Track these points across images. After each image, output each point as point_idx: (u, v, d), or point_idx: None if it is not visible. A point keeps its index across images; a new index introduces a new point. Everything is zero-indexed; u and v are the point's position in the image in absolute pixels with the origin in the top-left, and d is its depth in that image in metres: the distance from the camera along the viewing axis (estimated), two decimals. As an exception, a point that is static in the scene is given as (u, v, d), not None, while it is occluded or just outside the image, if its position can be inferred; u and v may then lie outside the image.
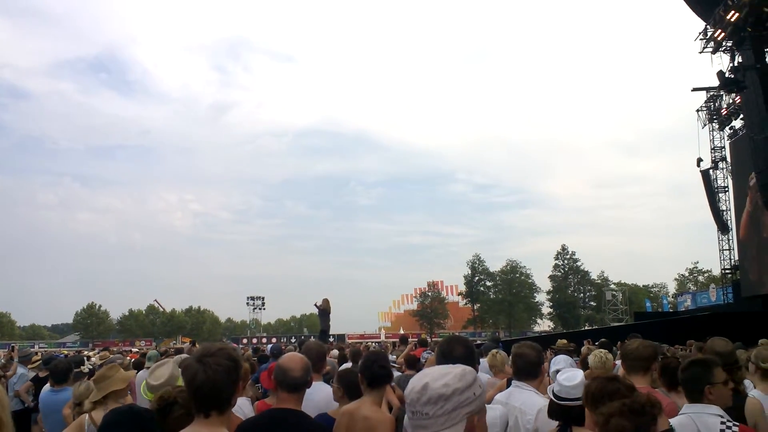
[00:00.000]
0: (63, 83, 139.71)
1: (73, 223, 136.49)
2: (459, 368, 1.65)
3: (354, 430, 3.78)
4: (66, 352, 35.63)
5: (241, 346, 36.71)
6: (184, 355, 6.56)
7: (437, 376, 1.60)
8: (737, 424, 3.32)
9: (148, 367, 9.27)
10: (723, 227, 33.17)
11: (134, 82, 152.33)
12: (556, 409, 3.40)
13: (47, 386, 6.84)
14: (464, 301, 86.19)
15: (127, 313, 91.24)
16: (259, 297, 75.71)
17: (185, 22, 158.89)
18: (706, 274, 73.44)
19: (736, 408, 3.87)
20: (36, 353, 13.96)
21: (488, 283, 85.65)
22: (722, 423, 3.31)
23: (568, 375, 3.47)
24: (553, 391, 3.48)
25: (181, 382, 3.75)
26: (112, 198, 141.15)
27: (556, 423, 3.46)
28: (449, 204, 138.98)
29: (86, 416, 4.64)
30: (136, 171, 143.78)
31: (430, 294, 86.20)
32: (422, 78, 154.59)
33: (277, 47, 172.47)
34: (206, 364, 2.62)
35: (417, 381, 1.61)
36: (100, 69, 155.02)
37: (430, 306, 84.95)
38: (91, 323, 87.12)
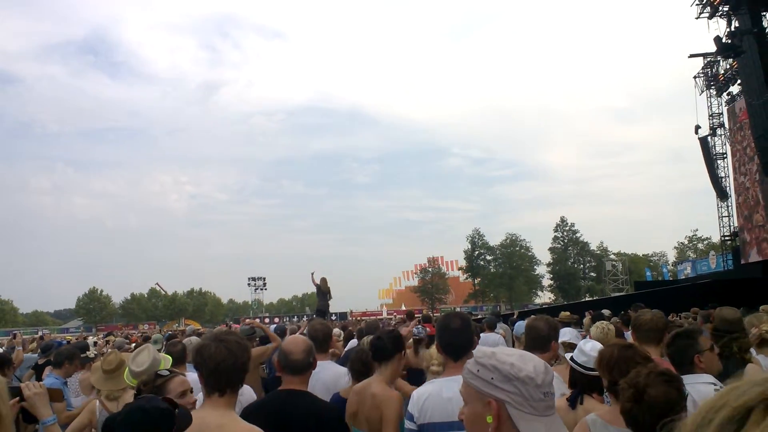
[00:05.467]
0: (52, 67, 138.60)
1: (68, 208, 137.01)
2: None
3: (363, 408, 3.78)
4: (70, 337, 35.75)
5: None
6: (193, 338, 6.58)
7: (541, 359, 1.60)
8: None
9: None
10: (722, 194, 33.15)
11: (122, 64, 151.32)
12: (579, 378, 3.45)
13: (50, 372, 6.81)
14: (465, 275, 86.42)
15: (129, 297, 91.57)
16: (261, 277, 75.83)
17: (171, 0, 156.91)
18: (705, 242, 73.63)
19: (738, 375, 3.86)
20: (35, 339, 13.97)
21: (488, 257, 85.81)
22: (716, 390, 3.28)
23: (593, 344, 3.53)
24: (574, 359, 3.51)
25: (163, 366, 3.79)
26: (105, 181, 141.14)
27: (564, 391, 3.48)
28: (446, 179, 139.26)
29: (97, 402, 4.62)
30: (128, 153, 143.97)
31: (430, 270, 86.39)
32: (415, 52, 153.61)
33: (266, 24, 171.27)
34: (225, 341, 2.76)
35: (537, 362, 1.55)
36: (87, 51, 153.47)
37: (431, 282, 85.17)
38: (93, 308, 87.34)
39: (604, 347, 3.24)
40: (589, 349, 3.48)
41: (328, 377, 4.56)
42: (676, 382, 2.52)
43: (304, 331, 6.06)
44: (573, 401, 3.39)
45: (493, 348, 1.61)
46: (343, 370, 4.96)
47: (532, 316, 4.60)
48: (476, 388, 1.55)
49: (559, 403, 3.32)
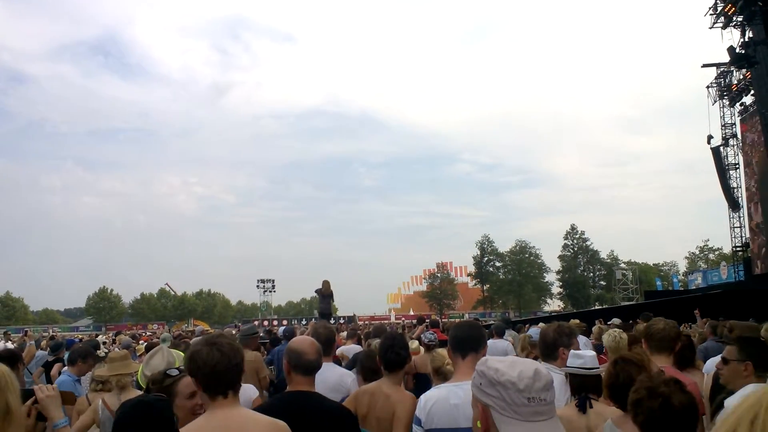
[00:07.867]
0: (63, 67, 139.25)
1: (78, 207, 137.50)
2: None
3: (375, 408, 3.83)
4: (80, 336, 36.04)
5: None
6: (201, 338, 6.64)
7: (536, 364, 1.62)
8: None
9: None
10: (734, 204, 32.98)
11: (133, 65, 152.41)
12: (578, 382, 3.47)
13: (65, 369, 6.90)
14: (474, 282, 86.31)
15: (138, 297, 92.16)
16: (269, 279, 75.96)
17: (183, 1, 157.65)
18: (716, 252, 73.12)
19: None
20: (48, 337, 14.10)
21: (497, 264, 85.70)
22: None
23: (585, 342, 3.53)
24: (570, 366, 3.54)
25: (178, 364, 3.78)
26: (115, 181, 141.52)
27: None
28: (455, 184, 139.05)
29: (99, 400, 4.69)
30: (138, 154, 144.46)
31: (439, 275, 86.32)
32: (425, 56, 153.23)
33: (277, 27, 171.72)
34: (217, 344, 2.74)
35: (525, 368, 1.58)
36: (99, 52, 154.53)
37: (440, 287, 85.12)
38: (103, 307, 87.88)
39: (608, 362, 3.26)
40: (577, 354, 3.50)
41: (332, 379, 4.59)
42: (689, 392, 2.61)
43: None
44: (582, 405, 3.40)
45: (492, 356, 1.68)
46: (346, 372, 5.01)
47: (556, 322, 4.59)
48: (474, 394, 1.63)
49: (568, 411, 3.36)
